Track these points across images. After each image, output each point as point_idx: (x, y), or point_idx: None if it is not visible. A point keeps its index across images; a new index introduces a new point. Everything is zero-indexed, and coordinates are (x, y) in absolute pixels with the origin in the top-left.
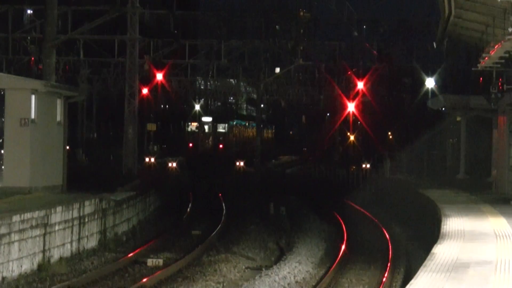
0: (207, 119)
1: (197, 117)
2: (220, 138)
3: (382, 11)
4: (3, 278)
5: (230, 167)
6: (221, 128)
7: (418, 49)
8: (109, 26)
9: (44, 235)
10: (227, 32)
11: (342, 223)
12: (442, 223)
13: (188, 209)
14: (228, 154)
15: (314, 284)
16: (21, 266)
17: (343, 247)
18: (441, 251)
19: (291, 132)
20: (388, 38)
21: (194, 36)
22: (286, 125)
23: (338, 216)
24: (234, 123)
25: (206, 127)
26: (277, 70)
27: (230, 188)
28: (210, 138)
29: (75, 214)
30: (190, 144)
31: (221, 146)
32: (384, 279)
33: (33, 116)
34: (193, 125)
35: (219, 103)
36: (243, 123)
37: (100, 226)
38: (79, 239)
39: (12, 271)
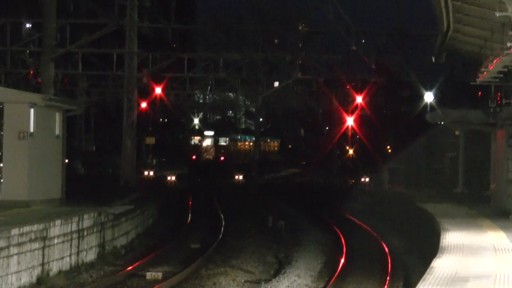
0: (209, 133)
1: (197, 131)
2: (222, 150)
3: (380, 23)
4: None
5: (230, 179)
6: (223, 142)
7: (416, 62)
8: (108, 39)
9: (43, 248)
10: (226, 45)
11: (341, 236)
12: (441, 237)
13: (187, 223)
14: (230, 166)
15: None
16: (20, 279)
17: (342, 260)
18: (440, 265)
19: (289, 146)
20: (386, 51)
21: (193, 49)
22: (290, 138)
23: (336, 229)
24: (239, 137)
25: (208, 140)
26: (276, 84)
27: (229, 201)
28: (212, 150)
29: (74, 227)
30: (193, 156)
31: (222, 158)
32: None
33: (31, 129)
34: (196, 139)
35: (218, 117)
36: (249, 137)
37: (99, 239)
38: (78, 253)
39: (11, 284)
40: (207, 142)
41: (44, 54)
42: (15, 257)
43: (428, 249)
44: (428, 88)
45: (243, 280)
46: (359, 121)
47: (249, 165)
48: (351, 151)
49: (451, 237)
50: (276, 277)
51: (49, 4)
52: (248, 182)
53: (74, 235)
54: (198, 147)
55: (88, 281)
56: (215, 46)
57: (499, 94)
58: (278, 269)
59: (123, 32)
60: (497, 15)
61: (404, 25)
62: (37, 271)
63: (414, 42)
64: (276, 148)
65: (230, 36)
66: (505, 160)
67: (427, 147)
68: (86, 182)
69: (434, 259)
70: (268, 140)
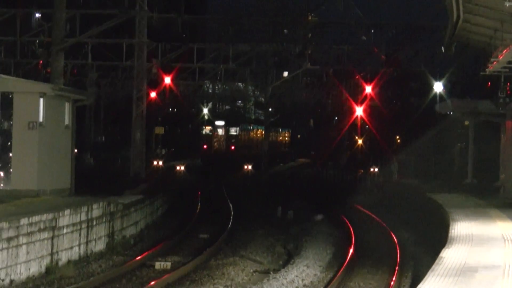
0: (220, 122)
1: (205, 121)
2: (232, 140)
3: (389, 14)
4: (11, 281)
5: (239, 169)
6: (233, 131)
7: (426, 52)
8: (117, 29)
9: (52, 238)
10: (235, 36)
11: (350, 227)
12: (450, 227)
13: (196, 212)
14: (240, 156)
15: (322, 287)
16: (29, 269)
17: (351, 250)
18: (449, 255)
19: (298, 136)
20: (396, 41)
21: (202, 40)
22: (299, 128)
23: (346, 219)
24: (250, 127)
25: (219, 130)
26: (285, 74)
27: (238, 191)
28: (223, 140)
29: (83, 217)
30: (205, 146)
31: (232, 147)
32: (392, 283)
33: (41, 119)
34: (207, 129)
35: (227, 107)
36: (260, 127)
37: (108, 229)
38: (87, 242)
39: (20, 274)
40: (218, 132)
41: (54, 45)
42: (24, 247)
43: (437, 239)
44: (438, 79)
45: (252, 270)
46: (369, 111)
47: (259, 155)
48: (360, 142)
49: (460, 228)
50: (285, 267)
51: None
52: (258, 173)
53: (83, 225)
54: (209, 137)
55: (97, 271)
56: (225, 37)
57: (508, 84)
58: (287, 259)
59: (133, 22)
60: (507, 5)
61: (415, 17)
62: (46, 261)
63: (425, 33)
64: (286, 139)
65: (239, 28)
66: None
67: (437, 138)
68: (96, 173)
69: (443, 250)
70: (280, 130)
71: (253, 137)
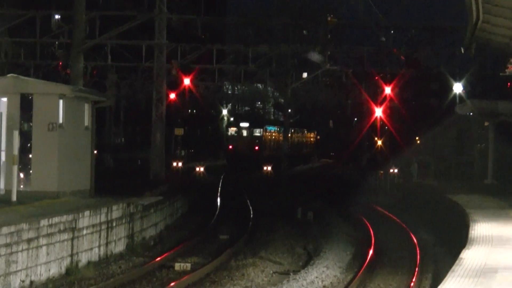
0: (244, 124)
1: (231, 123)
2: (256, 141)
3: (409, 15)
4: (31, 282)
5: (261, 170)
6: (257, 133)
7: (446, 53)
8: (137, 31)
9: (72, 239)
10: (255, 37)
11: (370, 228)
12: (470, 228)
13: (216, 214)
14: (264, 157)
15: None
16: (49, 270)
17: (370, 251)
18: (469, 256)
19: (318, 137)
20: (416, 42)
21: (222, 41)
22: (319, 129)
23: (365, 220)
24: (275, 128)
25: (244, 131)
26: (305, 75)
27: (258, 192)
28: (247, 141)
29: (103, 218)
30: (230, 146)
31: (256, 148)
32: (412, 284)
33: (61, 120)
34: (232, 130)
35: (246, 108)
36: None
37: (127, 230)
38: (106, 244)
39: (40, 275)
40: (243, 133)
41: (74, 46)
42: (44, 248)
43: (457, 241)
44: (458, 80)
45: (271, 271)
46: (388, 112)
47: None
48: (379, 143)
49: (480, 229)
50: (305, 268)
51: None
52: (278, 174)
53: (103, 226)
54: (235, 138)
55: (117, 272)
56: (244, 39)
57: None
58: (307, 260)
59: (153, 24)
60: None
61: (435, 18)
62: (66, 262)
63: (445, 34)
64: (311, 140)
65: (259, 29)
66: None
67: (456, 139)
68: (116, 174)
69: (463, 251)
70: (305, 131)
71: (276, 138)
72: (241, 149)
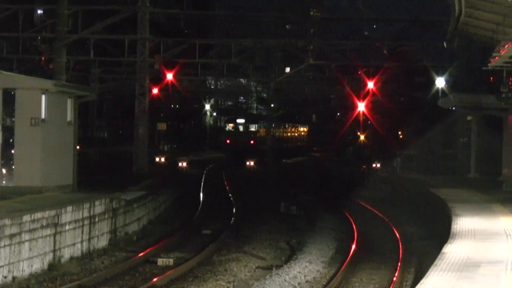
0: (241, 120)
1: (228, 119)
2: (252, 135)
3: (395, 10)
4: (14, 278)
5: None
6: (253, 128)
7: (432, 47)
8: (120, 25)
9: (55, 234)
10: (239, 31)
11: (352, 222)
12: (453, 223)
13: (199, 208)
14: (259, 149)
15: (324, 283)
16: (31, 266)
17: (353, 246)
18: (452, 250)
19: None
20: (401, 36)
21: (206, 35)
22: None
23: (348, 215)
24: (271, 124)
25: (240, 127)
26: (287, 69)
27: (241, 186)
28: (244, 135)
29: (86, 213)
30: (228, 141)
31: (252, 142)
32: (394, 278)
33: (43, 115)
34: (230, 125)
35: (229, 103)
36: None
37: (110, 225)
38: (89, 239)
39: (22, 270)
40: (239, 128)
41: (57, 40)
42: (26, 244)
43: (440, 235)
44: (440, 74)
45: (254, 266)
46: (372, 107)
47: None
48: (362, 137)
49: (462, 223)
50: (288, 263)
51: None
52: (263, 168)
53: (86, 221)
54: (232, 133)
55: (99, 267)
56: (228, 33)
57: (511, 79)
58: (290, 255)
59: (136, 18)
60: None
61: (420, 12)
62: (48, 258)
63: (431, 27)
64: (302, 134)
65: (243, 23)
66: None
67: (440, 133)
68: (99, 169)
69: (445, 245)
70: (299, 126)
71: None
72: (237, 143)
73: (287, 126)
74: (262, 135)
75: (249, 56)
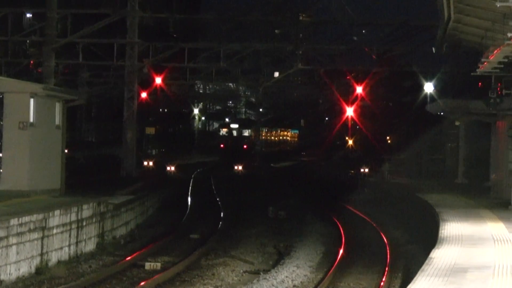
0: (234, 125)
1: (223, 124)
2: (245, 140)
3: (384, 14)
4: (1, 282)
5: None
6: (246, 133)
7: (421, 51)
8: (109, 29)
9: (42, 238)
10: (228, 36)
11: (340, 227)
12: (440, 228)
13: (187, 213)
14: (252, 153)
15: None
16: (19, 269)
17: (341, 251)
18: (439, 255)
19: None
20: (389, 41)
21: (195, 39)
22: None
23: (336, 220)
24: (266, 130)
25: (234, 132)
26: (276, 74)
27: (229, 190)
28: (237, 140)
29: (73, 217)
30: (222, 145)
31: (245, 146)
32: (382, 283)
33: (32, 119)
34: (224, 130)
35: (218, 107)
36: (274, 129)
37: (98, 229)
38: (77, 243)
39: (10, 274)
40: (233, 133)
41: (45, 44)
42: (14, 247)
43: (427, 240)
44: (429, 79)
45: (242, 271)
46: (360, 111)
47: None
48: (350, 142)
49: (450, 228)
50: (275, 268)
51: None
52: (251, 171)
53: (73, 225)
54: (226, 138)
55: (87, 271)
56: (218, 37)
57: (499, 84)
58: (278, 260)
59: (125, 22)
60: (498, 5)
61: (409, 16)
62: (36, 261)
63: (419, 32)
64: (295, 138)
65: (232, 27)
66: (506, 150)
67: (428, 138)
68: (87, 173)
69: (433, 250)
70: (290, 130)
71: (264, 138)
72: (231, 147)
73: (279, 130)
74: (254, 140)
75: (238, 61)
